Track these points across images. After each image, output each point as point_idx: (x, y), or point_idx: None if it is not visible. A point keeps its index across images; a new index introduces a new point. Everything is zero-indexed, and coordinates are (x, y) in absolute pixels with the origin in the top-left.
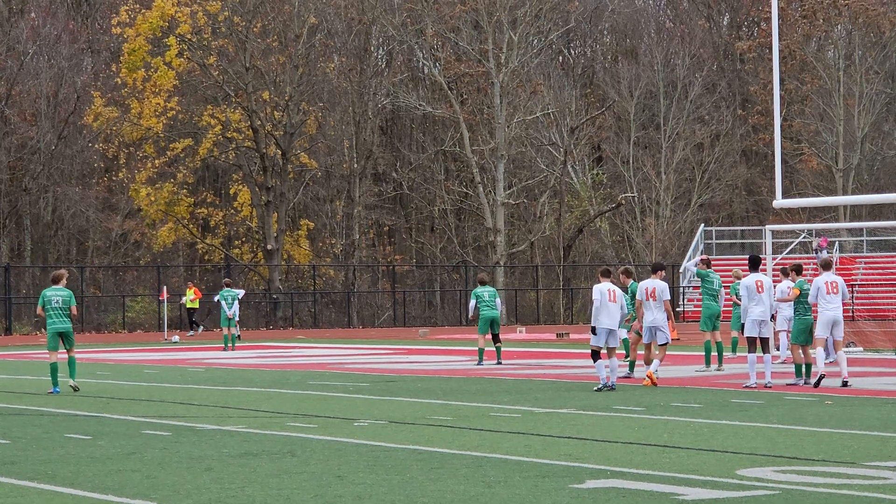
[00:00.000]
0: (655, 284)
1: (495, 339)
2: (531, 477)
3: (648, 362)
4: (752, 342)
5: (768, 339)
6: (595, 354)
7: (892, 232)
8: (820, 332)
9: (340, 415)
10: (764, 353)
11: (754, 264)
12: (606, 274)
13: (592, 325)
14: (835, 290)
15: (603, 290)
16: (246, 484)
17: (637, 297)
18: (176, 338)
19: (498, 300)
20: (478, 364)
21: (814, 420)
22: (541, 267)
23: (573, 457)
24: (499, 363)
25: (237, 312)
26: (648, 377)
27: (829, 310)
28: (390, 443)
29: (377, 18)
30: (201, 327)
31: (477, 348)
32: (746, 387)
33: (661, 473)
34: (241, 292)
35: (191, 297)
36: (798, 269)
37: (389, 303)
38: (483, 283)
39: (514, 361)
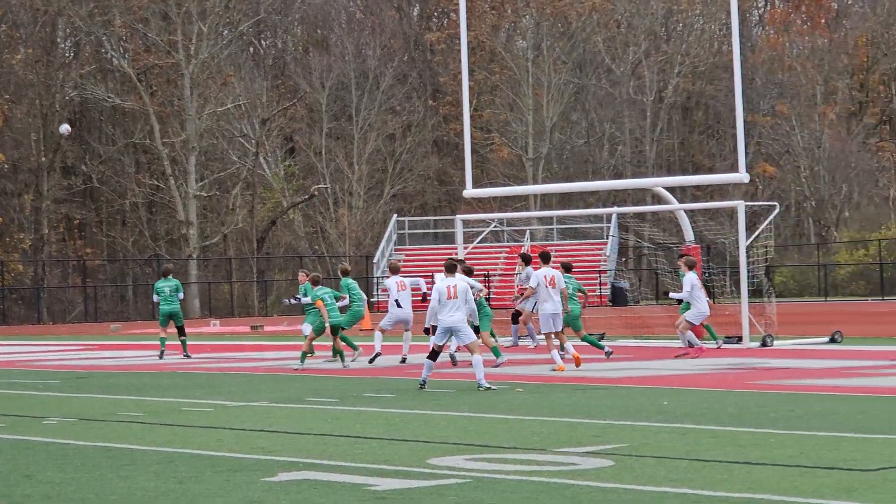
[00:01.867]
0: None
1: (180, 332)
2: (223, 471)
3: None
4: (548, 337)
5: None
6: (433, 353)
7: (580, 220)
8: (546, 327)
9: (29, 413)
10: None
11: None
12: (451, 269)
13: (429, 324)
14: (552, 284)
15: (441, 289)
16: None
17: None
18: None
19: (180, 294)
20: (159, 358)
21: (505, 407)
22: (234, 259)
23: (265, 450)
24: (186, 356)
25: None
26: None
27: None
28: (80, 440)
29: (64, 9)
30: None
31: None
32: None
33: (353, 464)
34: None
35: None
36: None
37: (81, 298)
38: (166, 275)
39: (208, 355)
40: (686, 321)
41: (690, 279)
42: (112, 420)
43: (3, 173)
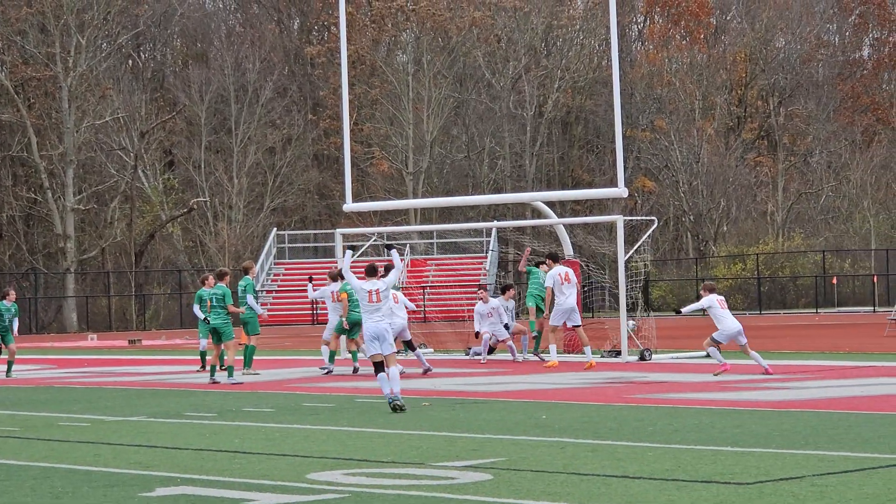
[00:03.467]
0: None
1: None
2: (100, 486)
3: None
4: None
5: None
6: (377, 366)
7: (460, 234)
8: (556, 320)
9: None
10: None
11: (370, 272)
12: (372, 272)
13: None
14: (568, 280)
15: (362, 293)
16: None
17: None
18: None
19: (15, 320)
20: (7, 375)
21: (384, 422)
22: (112, 273)
23: (143, 465)
24: (8, 375)
25: None
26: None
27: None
28: None
29: None
30: None
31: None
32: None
33: (231, 479)
34: None
35: None
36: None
37: None
38: (4, 297)
39: (85, 369)
40: (711, 339)
41: (708, 301)
42: None
43: None
